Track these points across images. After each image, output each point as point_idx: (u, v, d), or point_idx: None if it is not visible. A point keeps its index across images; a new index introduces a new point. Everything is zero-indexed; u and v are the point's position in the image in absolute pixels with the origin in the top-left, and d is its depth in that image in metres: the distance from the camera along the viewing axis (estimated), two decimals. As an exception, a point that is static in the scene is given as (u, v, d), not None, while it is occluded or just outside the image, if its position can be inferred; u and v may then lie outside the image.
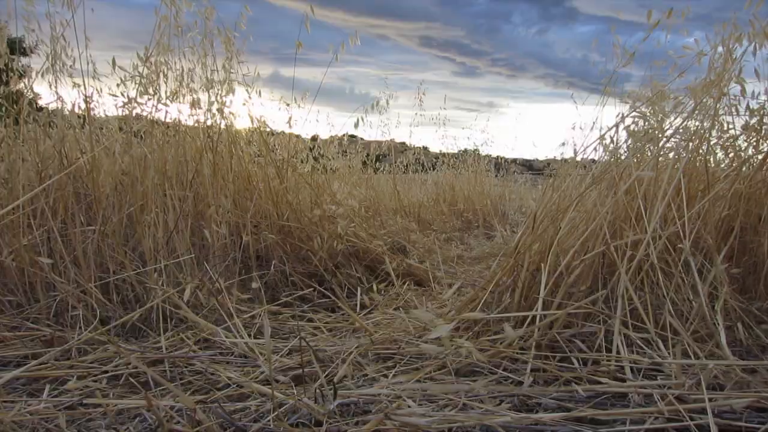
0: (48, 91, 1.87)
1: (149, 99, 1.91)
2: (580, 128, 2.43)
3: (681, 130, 1.61)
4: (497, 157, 6.56)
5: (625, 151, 1.69)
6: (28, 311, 1.59)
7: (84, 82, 1.80)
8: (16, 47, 1.93)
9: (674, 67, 1.74)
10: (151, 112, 1.93)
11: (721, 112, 1.61)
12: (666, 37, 1.69)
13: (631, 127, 1.72)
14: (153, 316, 1.56)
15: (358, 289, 1.98)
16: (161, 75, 1.94)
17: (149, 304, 1.55)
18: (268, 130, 2.42)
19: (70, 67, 1.86)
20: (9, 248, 1.60)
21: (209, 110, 2.07)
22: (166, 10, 1.89)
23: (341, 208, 2.21)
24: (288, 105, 2.51)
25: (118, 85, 1.91)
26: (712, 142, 1.66)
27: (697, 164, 1.61)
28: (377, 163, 4.49)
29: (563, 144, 2.86)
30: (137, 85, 1.89)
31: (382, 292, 2.05)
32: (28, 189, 1.70)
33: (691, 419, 0.81)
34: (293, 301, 1.88)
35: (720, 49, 1.61)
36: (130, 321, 1.50)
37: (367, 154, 4.23)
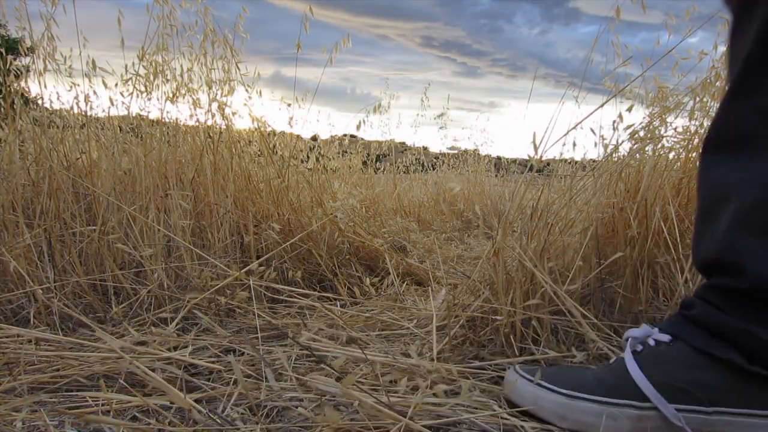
0: (46, 91, 1.88)
1: (148, 98, 1.91)
2: (581, 128, 2.42)
3: (681, 129, 1.60)
4: (497, 157, 6.56)
5: (626, 151, 1.68)
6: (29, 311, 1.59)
7: (82, 81, 1.80)
8: (7, 46, 1.93)
9: (676, 66, 1.73)
10: (149, 112, 1.94)
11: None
12: (668, 37, 1.68)
13: (632, 127, 1.72)
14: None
15: (356, 287, 1.98)
16: (159, 75, 1.94)
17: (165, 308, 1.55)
18: (269, 130, 2.42)
19: (69, 67, 1.86)
20: (8, 248, 1.60)
21: (209, 110, 2.07)
22: (159, 9, 1.89)
23: (338, 201, 2.22)
24: (289, 105, 2.51)
25: (116, 85, 1.92)
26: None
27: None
28: (377, 163, 4.49)
29: (564, 144, 2.85)
30: (134, 83, 1.89)
31: (381, 289, 2.04)
32: (28, 189, 1.70)
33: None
34: (293, 300, 1.88)
35: (721, 48, 1.61)
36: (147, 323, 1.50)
37: (368, 154, 4.23)
